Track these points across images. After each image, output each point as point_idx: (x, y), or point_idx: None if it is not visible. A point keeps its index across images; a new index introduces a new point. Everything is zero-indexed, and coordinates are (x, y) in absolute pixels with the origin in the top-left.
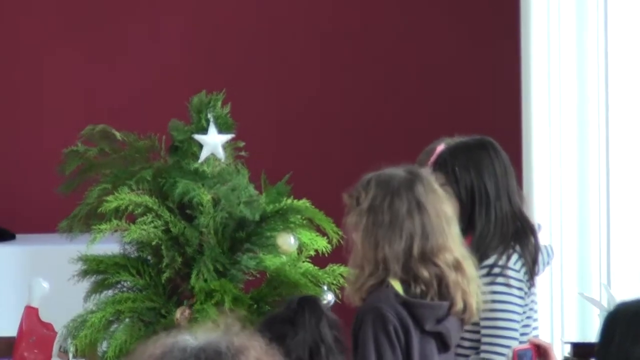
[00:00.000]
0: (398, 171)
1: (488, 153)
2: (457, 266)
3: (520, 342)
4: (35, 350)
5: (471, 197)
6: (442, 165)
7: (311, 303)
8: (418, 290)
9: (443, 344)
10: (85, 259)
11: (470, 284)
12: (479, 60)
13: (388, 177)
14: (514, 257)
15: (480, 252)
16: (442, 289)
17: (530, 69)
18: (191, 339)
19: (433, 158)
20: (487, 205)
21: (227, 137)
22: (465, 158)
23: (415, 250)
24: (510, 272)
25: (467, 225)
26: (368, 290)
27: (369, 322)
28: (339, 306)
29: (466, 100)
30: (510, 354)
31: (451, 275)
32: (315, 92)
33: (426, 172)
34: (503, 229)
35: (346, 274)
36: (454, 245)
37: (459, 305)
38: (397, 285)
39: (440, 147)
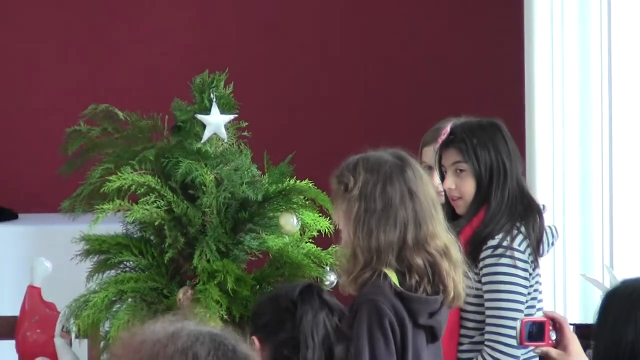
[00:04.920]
0: (386, 155)
1: (501, 133)
2: (446, 252)
3: None
4: (38, 330)
5: (489, 174)
6: (459, 142)
7: (311, 295)
8: (413, 281)
9: (432, 336)
10: (87, 239)
11: (457, 271)
12: (482, 43)
13: (377, 162)
14: (519, 237)
15: (488, 228)
16: (435, 279)
17: (533, 49)
18: (195, 326)
19: (442, 137)
20: (503, 183)
21: (229, 117)
22: (483, 136)
23: (409, 238)
24: (515, 253)
25: (480, 204)
26: (363, 282)
27: (364, 314)
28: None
29: (469, 80)
30: (519, 325)
31: (443, 264)
32: (319, 73)
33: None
34: (512, 208)
35: (338, 261)
36: (441, 230)
37: (451, 294)
38: (394, 277)
39: (448, 127)
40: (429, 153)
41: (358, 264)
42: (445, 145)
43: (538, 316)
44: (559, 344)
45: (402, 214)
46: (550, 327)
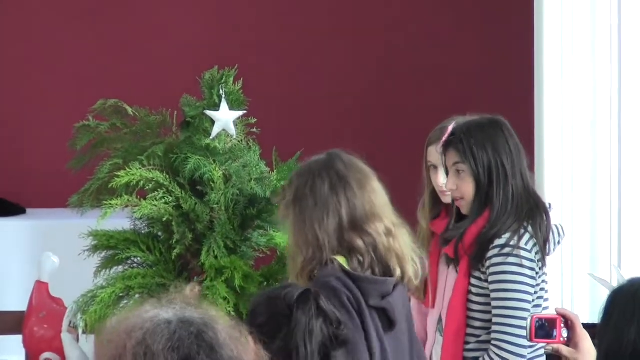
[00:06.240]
0: (318, 157)
1: (502, 131)
2: (389, 233)
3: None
4: (45, 325)
5: (488, 175)
6: (457, 143)
7: (307, 302)
8: (355, 262)
9: (388, 321)
10: (95, 234)
11: (404, 250)
12: (491, 41)
13: (307, 165)
14: (526, 237)
15: (495, 228)
16: (378, 256)
17: (543, 47)
18: (164, 313)
19: (445, 137)
20: (504, 183)
21: (238, 113)
22: (481, 136)
23: (345, 220)
24: (522, 252)
25: (484, 204)
26: (309, 274)
27: None
28: None
29: (478, 78)
30: (529, 321)
31: (382, 240)
32: (328, 70)
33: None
34: (518, 208)
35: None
36: (383, 214)
37: (397, 271)
38: (342, 260)
39: (452, 126)
40: (434, 152)
41: (301, 259)
42: (446, 145)
43: (550, 313)
44: (571, 341)
45: (334, 200)
46: (562, 325)
